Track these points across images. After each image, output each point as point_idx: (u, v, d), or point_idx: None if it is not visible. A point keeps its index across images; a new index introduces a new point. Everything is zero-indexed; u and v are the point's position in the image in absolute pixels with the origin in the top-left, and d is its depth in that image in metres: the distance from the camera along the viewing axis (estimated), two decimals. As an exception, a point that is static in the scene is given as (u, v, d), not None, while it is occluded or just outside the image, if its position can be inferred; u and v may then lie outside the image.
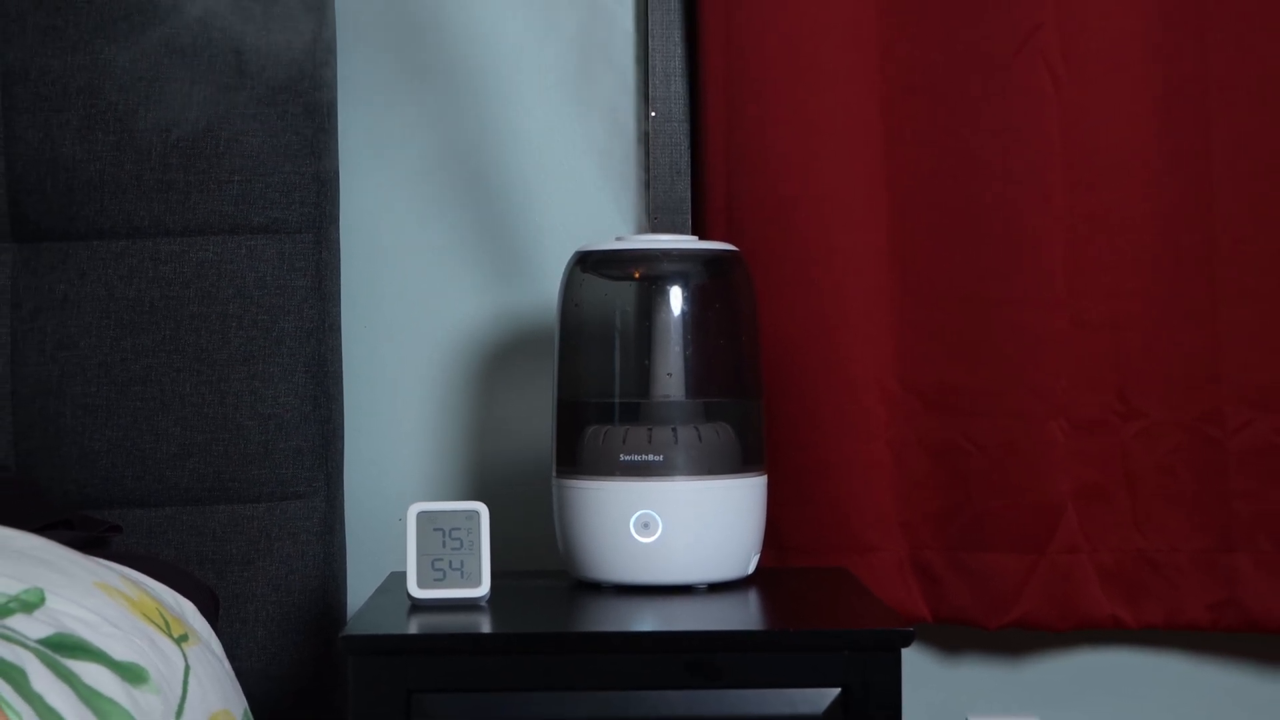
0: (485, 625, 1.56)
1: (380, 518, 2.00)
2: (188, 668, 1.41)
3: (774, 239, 1.91)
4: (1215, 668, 2.00)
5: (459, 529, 1.63)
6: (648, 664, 1.49)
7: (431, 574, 1.62)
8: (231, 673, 1.53)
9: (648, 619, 1.58)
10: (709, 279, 1.75)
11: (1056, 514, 1.91)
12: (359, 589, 1.99)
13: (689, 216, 1.98)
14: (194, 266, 1.88)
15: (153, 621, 1.42)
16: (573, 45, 2.00)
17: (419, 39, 2.01)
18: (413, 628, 1.54)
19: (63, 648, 1.28)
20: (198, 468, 1.88)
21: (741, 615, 1.63)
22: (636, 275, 1.74)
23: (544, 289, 1.99)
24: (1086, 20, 1.91)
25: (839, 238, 1.92)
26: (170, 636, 1.42)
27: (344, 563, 1.94)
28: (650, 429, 1.67)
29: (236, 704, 1.49)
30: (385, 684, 1.48)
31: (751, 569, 1.73)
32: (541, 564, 1.94)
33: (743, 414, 1.73)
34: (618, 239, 1.76)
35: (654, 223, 1.97)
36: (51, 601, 1.34)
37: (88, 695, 1.24)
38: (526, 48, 2.01)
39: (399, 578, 1.78)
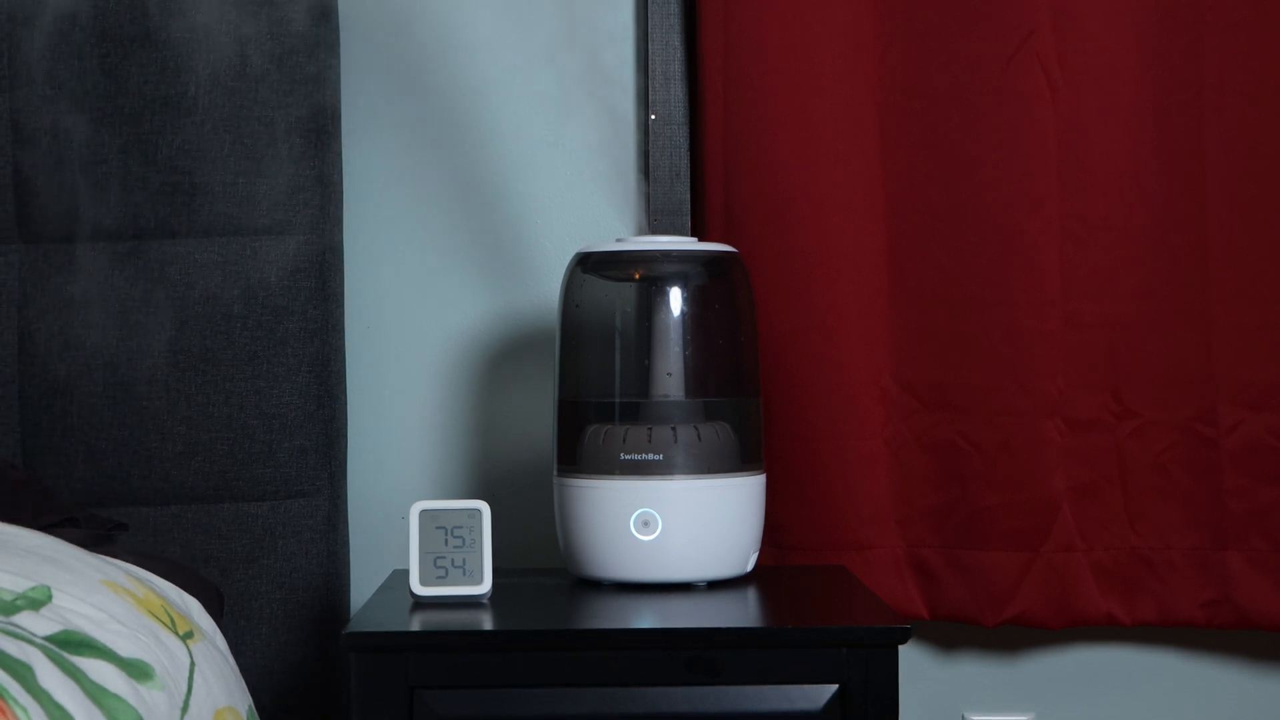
0: (487, 622, 1.57)
1: (383, 516, 2.01)
2: (193, 664, 1.41)
3: (772, 240, 1.92)
4: (1209, 665, 2.01)
5: (461, 527, 1.64)
6: (648, 661, 1.50)
7: (434, 571, 1.63)
8: (236, 669, 1.54)
9: (647, 616, 1.59)
10: (708, 280, 1.76)
11: (1052, 512, 1.92)
12: (362, 586, 2.00)
13: (688, 218, 1.99)
14: (199, 268, 1.89)
15: (158, 619, 1.43)
16: (573, 49, 2.01)
17: (421, 42, 2.02)
18: (415, 625, 1.55)
19: (69, 644, 1.29)
20: (202, 466, 1.89)
21: (740, 612, 1.64)
22: (636, 276, 1.75)
23: (545, 290, 2.00)
24: (1081, 25, 1.92)
25: (836, 239, 1.93)
26: (176, 633, 1.43)
27: (347, 560, 1.95)
28: (650, 428, 1.68)
29: (241, 700, 1.50)
30: (388, 680, 1.49)
31: (750, 567, 1.74)
32: (542, 562, 1.96)
33: (741, 413, 1.74)
34: (618, 240, 1.77)
35: (653, 224, 1.98)
36: (58, 599, 1.35)
37: (94, 692, 1.25)
38: (528, 51, 2.01)
39: (401, 575, 1.79)
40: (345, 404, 1.95)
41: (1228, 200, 1.93)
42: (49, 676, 1.21)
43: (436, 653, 1.50)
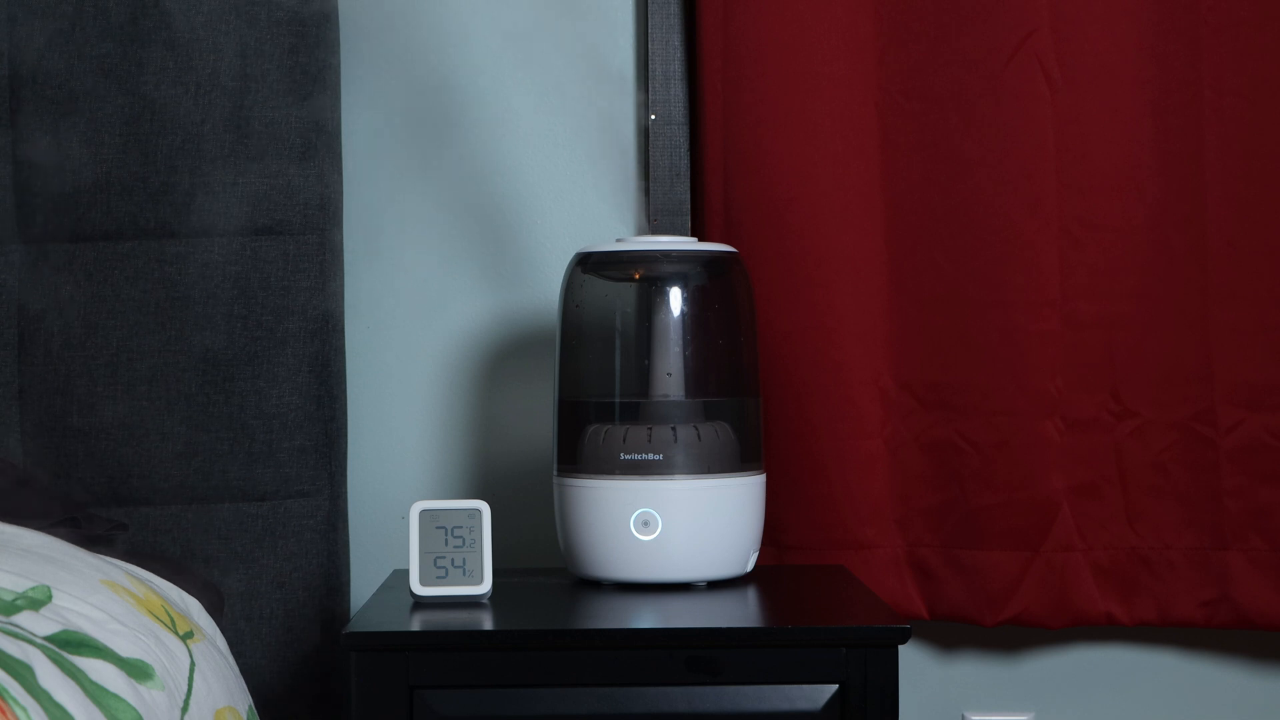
0: (487, 622, 1.57)
1: (383, 516, 2.01)
2: (193, 664, 1.42)
3: (771, 240, 1.92)
4: (1209, 664, 2.01)
5: (461, 527, 1.64)
6: (648, 660, 1.50)
7: (434, 571, 1.63)
8: (236, 669, 1.54)
9: (648, 616, 1.59)
10: (708, 280, 1.76)
11: (1051, 512, 1.92)
12: (362, 586, 2.00)
13: (688, 218, 1.99)
14: (199, 268, 1.89)
15: (158, 618, 1.43)
16: (573, 49, 2.01)
17: (421, 42, 2.02)
18: (415, 624, 1.55)
19: (69, 644, 1.29)
20: (203, 466, 1.89)
21: (740, 612, 1.64)
22: (636, 276, 1.75)
23: (545, 290, 2.00)
24: (1081, 25, 1.92)
25: (835, 239, 1.93)
26: (176, 633, 1.43)
27: (347, 560, 1.95)
28: (650, 428, 1.68)
29: (241, 700, 1.50)
30: (388, 680, 1.49)
31: (750, 566, 1.74)
32: (542, 561, 1.96)
33: (741, 413, 1.74)
34: (618, 240, 1.77)
35: (653, 224, 1.98)
36: (58, 599, 1.35)
37: (94, 692, 1.25)
38: (528, 51, 2.01)
39: (402, 575, 1.79)
40: (345, 404, 1.95)
41: (1226, 200, 1.93)
42: (49, 676, 1.21)
43: (436, 653, 1.50)
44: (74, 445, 1.89)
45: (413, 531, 1.63)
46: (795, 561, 1.95)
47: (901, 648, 1.52)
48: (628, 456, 1.68)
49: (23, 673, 1.19)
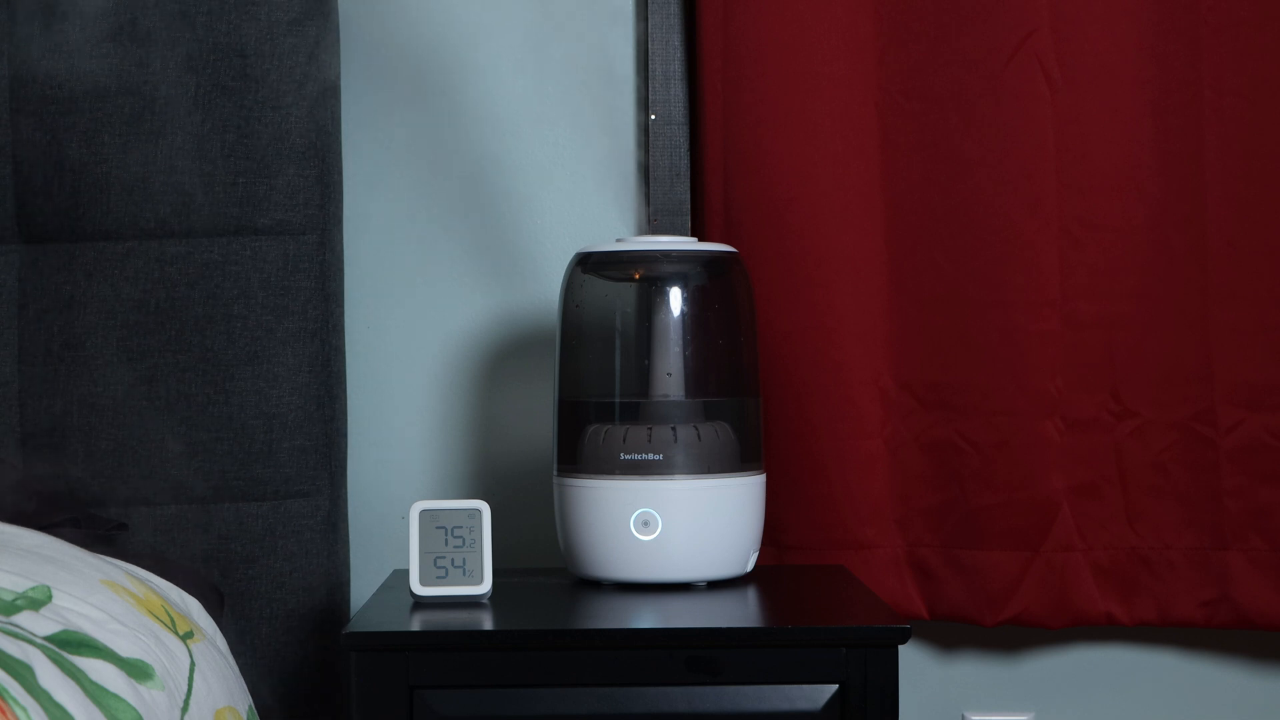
0: (487, 622, 1.57)
1: (383, 516, 2.01)
2: (193, 664, 1.42)
3: (771, 240, 1.93)
4: (1209, 664, 2.01)
5: (461, 527, 1.64)
6: (648, 660, 1.50)
7: (434, 571, 1.63)
8: (236, 669, 1.54)
9: (648, 616, 1.59)
10: (708, 280, 1.76)
11: (1051, 512, 1.92)
12: (362, 586, 2.00)
13: (688, 218, 1.99)
14: (199, 268, 1.89)
15: (158, 618, 1.43)
16: (574, 49, 2.01)
17: (421, 42, 2.02)
18: (415, 624, 1.55)
19: (69, 644, 1.29)
20: (203, 466, 1.89)
21: (740, 612, 1.64)
22: (636, 276, 1.75)
23: (545, 290, 2.00)
24: (1081, 25, 1.92)
25: (835, 239, 1.93)
26: (176, 633, 1.43)
27: (347, 560, 1.95)
28: (650, 428, 1.68)
29: (241, 700, 1.50)
30: (388, 680, 1.49)
31: (750, 566, 1.74)
32: (542, 561, 1.96)
33: (741, 413, 1.74)
34: (618, 240, 1.77)
35: (653, 224, 1.98)
36: (58, 599, 1.35)
37: (94, 692, 1.25)
38: (528, 51, 2.01)
39: (402, 575, 1.79)
40: (345, 404, 1.95)
41: (1226, 200, 1.93)
42: (49, 676, 1.21)
43: (436, 653, 1.50)
44: (74, 445, 1.89)
45: (413, 531, 1.63)
46: (795, 561, 1.95)
47: (901, 648, 1.52)
48: (628, 456, 1.68)
49: (23, 673, 1.19)
